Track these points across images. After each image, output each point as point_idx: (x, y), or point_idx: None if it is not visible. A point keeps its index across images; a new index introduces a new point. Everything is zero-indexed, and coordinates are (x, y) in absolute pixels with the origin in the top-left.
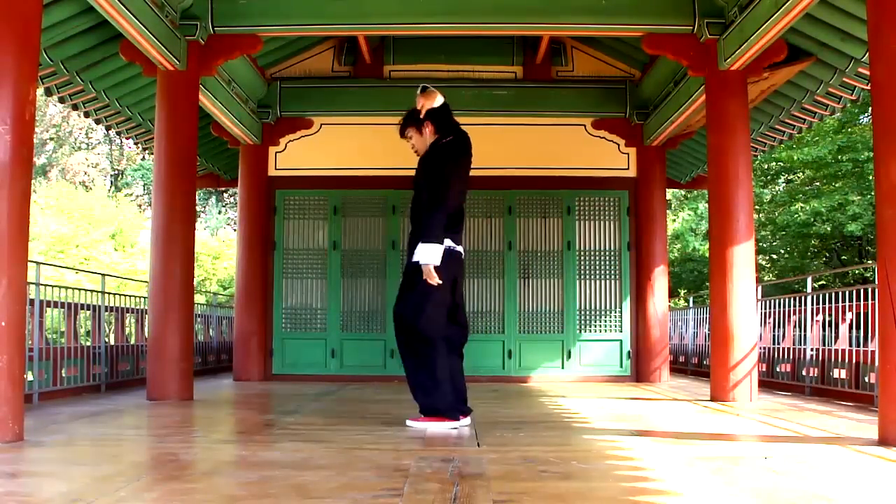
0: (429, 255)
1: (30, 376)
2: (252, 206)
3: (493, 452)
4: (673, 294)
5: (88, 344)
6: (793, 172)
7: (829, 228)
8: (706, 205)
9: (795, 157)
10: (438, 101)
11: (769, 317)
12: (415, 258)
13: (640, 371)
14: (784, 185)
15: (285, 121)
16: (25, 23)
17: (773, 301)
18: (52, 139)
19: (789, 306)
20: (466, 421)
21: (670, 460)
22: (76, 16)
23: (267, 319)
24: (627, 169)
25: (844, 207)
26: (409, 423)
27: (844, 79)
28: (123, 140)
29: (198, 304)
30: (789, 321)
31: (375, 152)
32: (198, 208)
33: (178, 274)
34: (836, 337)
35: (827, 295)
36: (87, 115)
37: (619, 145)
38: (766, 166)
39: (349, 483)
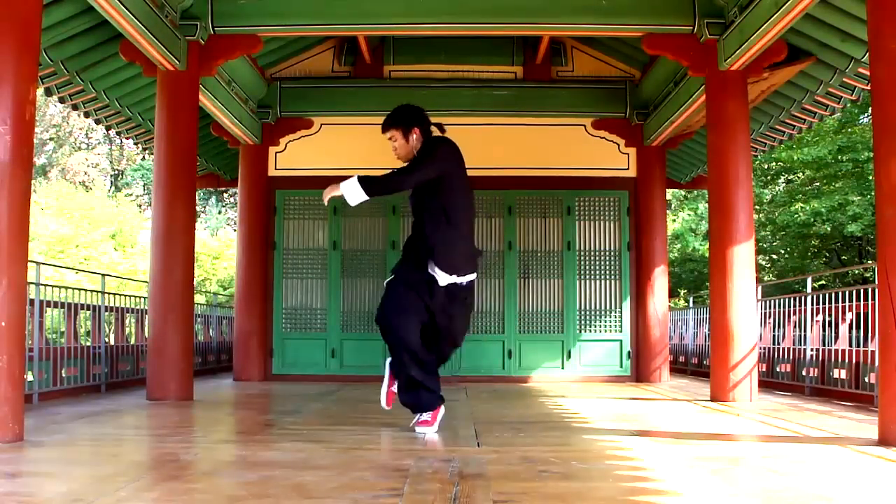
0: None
1: (30, 376)
2: (252, 206)
3: (493, 452)
4: (673, 294)
5: (88, 344)
6: (793, 172)
7: (829, 228)
8: (706, 205)
9: (795, 158)
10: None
11: (769, 317)
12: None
13: (640, 371)
14: (784, 185)
15: (285, 121)
16: (25, 23)
17: (773, 301)
18: (52, 139)
19: (789, 306)
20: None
21: (670, 460)
22: (76, 16)
23: (267, 319)
24: (627, 169)
25: (844, 207)
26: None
27: (844, 79)
28: (123, 140)
29: (198, 304)
30: (789, 321)
31: (375, 152)
32: (198, 208)
33: (178, 274)
34: (836, 337)
35: (827, 295)
36: (87, 115)
37: (619, 145)
38: (766, 166)
39: (349, 483)
